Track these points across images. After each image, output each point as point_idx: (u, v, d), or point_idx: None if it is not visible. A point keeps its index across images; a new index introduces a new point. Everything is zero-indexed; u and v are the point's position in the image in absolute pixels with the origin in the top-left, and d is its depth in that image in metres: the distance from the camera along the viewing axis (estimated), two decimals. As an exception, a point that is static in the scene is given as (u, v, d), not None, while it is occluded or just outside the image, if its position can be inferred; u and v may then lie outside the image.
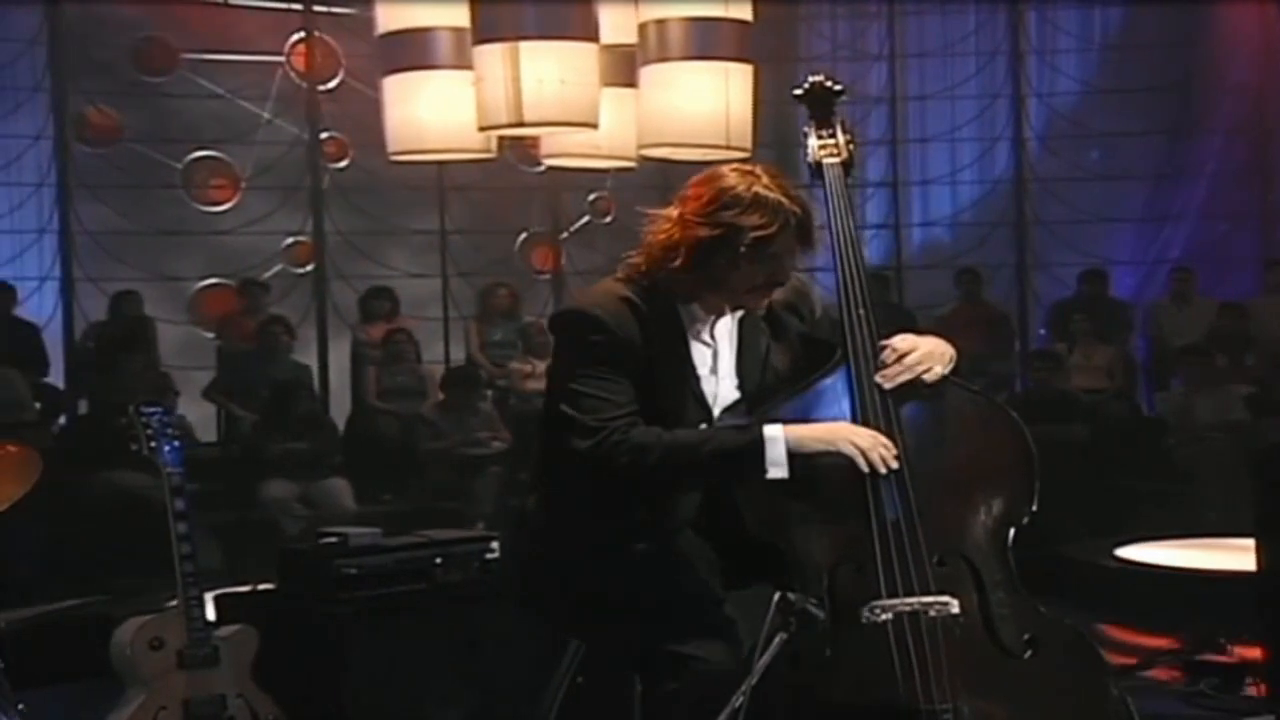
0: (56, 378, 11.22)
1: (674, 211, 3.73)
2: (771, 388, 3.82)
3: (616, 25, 7.46)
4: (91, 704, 5.06)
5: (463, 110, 7.32)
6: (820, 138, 4.03)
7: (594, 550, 3.73)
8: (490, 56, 7.12)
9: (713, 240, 3.63)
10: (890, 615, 3.58)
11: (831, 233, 3.87)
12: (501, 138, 7.70)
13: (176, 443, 4.79)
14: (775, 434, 3.59)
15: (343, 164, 12.28)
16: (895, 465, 3.62)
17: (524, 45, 7.06)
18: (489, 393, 10.67)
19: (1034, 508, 3.79)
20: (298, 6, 12.19)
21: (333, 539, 5.03)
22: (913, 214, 13.32)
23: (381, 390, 10.73)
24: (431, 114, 7.55)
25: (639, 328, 3.67)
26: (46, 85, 11.63)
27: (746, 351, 3.85)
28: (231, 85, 12.09)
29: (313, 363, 11.71)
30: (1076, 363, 11.09)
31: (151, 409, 4.81)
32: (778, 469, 3.58)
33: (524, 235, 13.02)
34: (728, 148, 7.38)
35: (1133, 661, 6.48)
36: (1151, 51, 12.49)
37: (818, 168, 4.00)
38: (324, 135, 12.27)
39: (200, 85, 12.05)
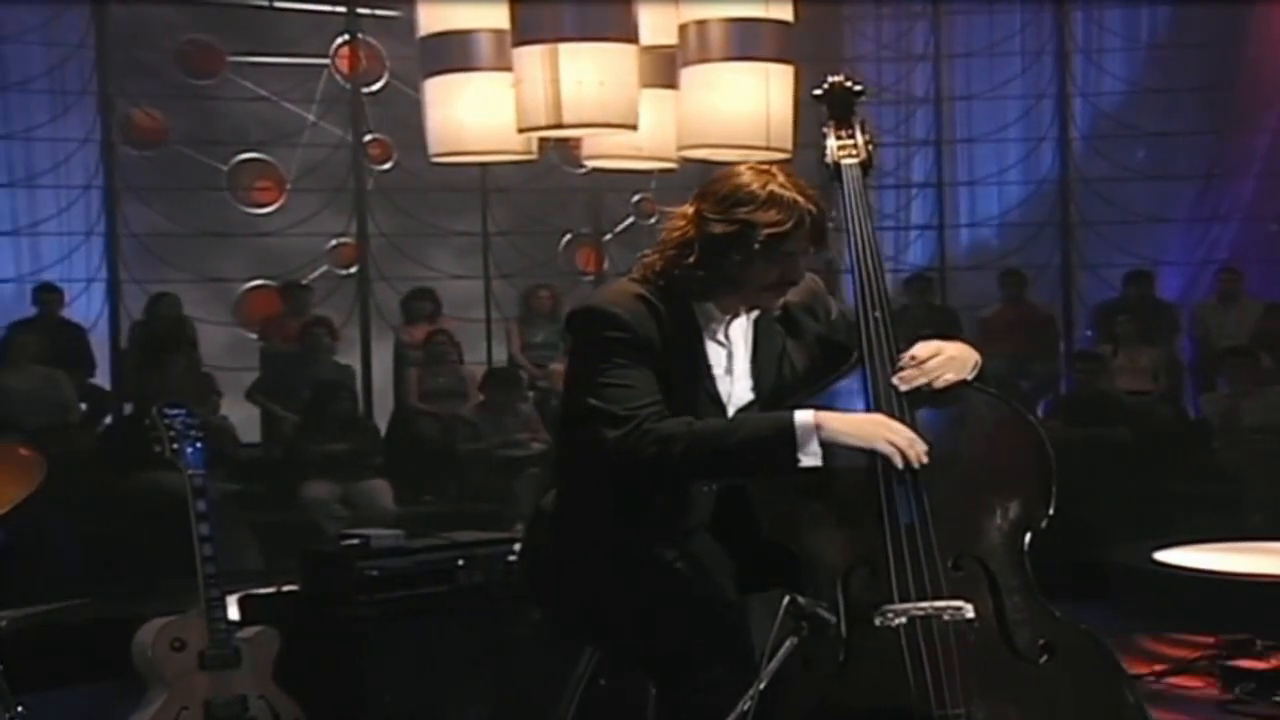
0: (103, 378, 11.32)
1: (689, 209, 3.73)
2: (787, 388, 3.81)
3: (657, 26, 7.46)
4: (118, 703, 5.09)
5: (503, 112, 7.32)
6: (839, 138, 4.03)
7: (606, 551, 3.72)
8: (529, 58, 7.11)
9: (727, 237, 3.63)
10: (904, 619, 3.56)
11: (849, 234, 3.86)
12: (543, 139, 7.70)
13: (199, 444, 4.81)
14: (807, 421, 3.54)
15: (387, 166, 12.32)
16: (926, 461, 3.59)
17: (563, 47, 7.03)
18: (530, 394, 10.68)
19: (1051, 512, 3.76)
20: (341, 9, 12.23)
21: (355, 541, 5.04)
22: (959, 214, 13.24)
23: (423, 391, 10.75)
24: (472, 116, 7.54)
25: (656, 325, 3.66)
26: (94, 88, 11.71)
27: (762, 352, 3.84)
28: (276, 87, 12.15)
29: (356, 364, 11.75)
30: (1121, 364, 11.01)
31: (175, 410, 4.84)
32: (811, 458, 3.54)
33: (568, 237, 13.03)
34: (768, 149, 7.35)
35: (1165, 666, 6.43)
36: (1198, 51, 12.37)
37: (836, 168, 3.98)
38: (368, 137, 12.32)
39: (245, 88, 12.12)
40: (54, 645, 6.53)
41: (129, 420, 10.41)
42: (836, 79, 4.12)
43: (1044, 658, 3.63)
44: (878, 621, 3.57)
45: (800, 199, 3.65)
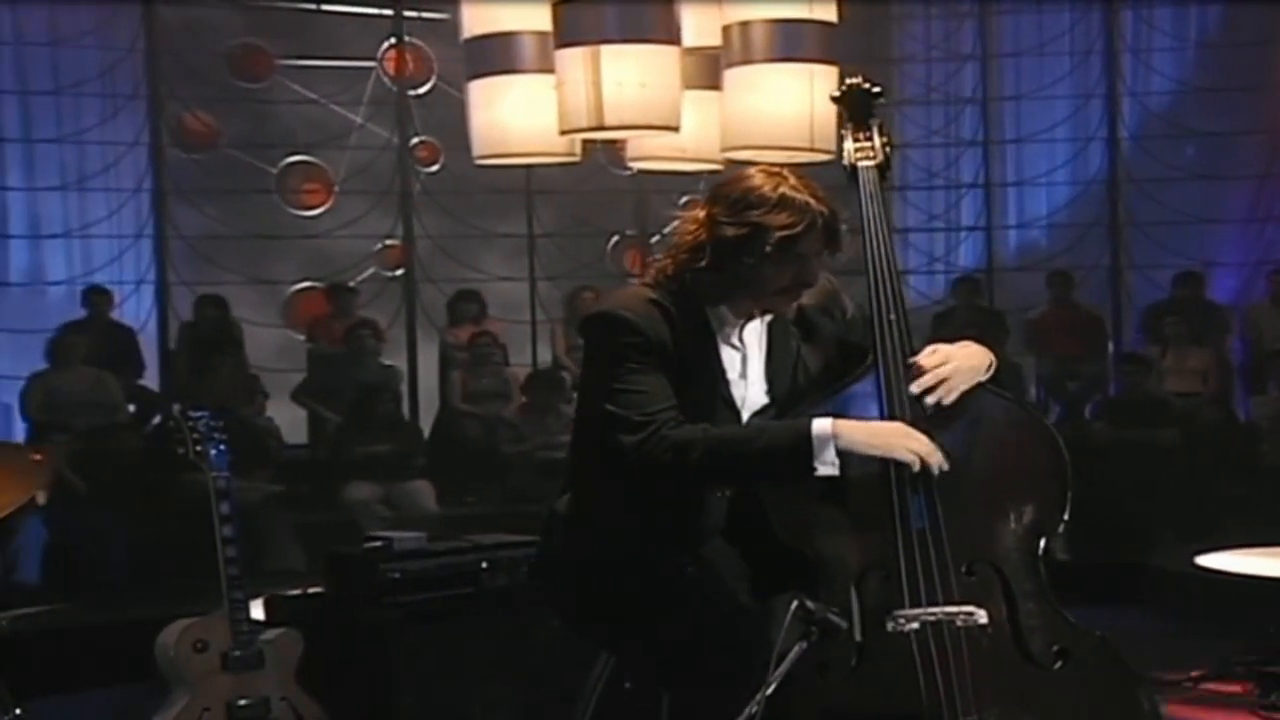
0: (152, 380, 11.41)
1: (701, 213, 3.73)
2: (801, 392, 3.80)
3: (701, 28, 7.47)
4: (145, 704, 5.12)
5: (547, 114, 7.33)
6: (856, 140, 4.01)
7: (619, 555, 3.73)
8: (571, 60, 7.13)
9: (739, 239, 3.62)
10: (916, 624, 3.56)
11: (864, 236, 3.85)
12: (588, 141, 7.72)
13: (223, 446, 4.84)
14: (824, 431, 3.53)
15: (434, 168, 12.35)
16: (947, 467, 3.58)
17: (605, 49, 7.04)
18: (574, 396, 10.67)
19: (1066, 517, 3.74)
20: (388, 12, 12.28)
21: (378, 543, 5.06)
22: (1007, 215, 13.17)
23: (467, 393, 10.79)
24: (516, 118, 7.55)
25: (669, 330, 3.66)
26: (144, 92, 11.80)
27: (776, 355, 3.83)
28: (325, 90, 12.21)
29: (403, 366, 11.81)
30: (1169, 366, 10.93)
31: (198, 413, 4.88)
32: (828, 467, 3.53)
33: (615, 239, 13.04)
34: (811, 149, 7.33)
35: (1202, 671, 6.40)
36: (1249, 50, 12.25)
37: (853, 170, 3.97)
38: (417, 139, 12.37)
39: (294, 91, 12.19)
40: (85, 647, 6.58)
41: (170, 422, 10.47)
42: (854, 81, 4.12)
43: (1058, 663, 3.62)
44: (890, 627, 3.58)
45: (812, 201, 3.64)
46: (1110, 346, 12.21)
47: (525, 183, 12.14)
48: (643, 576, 3.71)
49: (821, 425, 3.54)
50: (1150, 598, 8.08)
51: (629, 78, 7.07)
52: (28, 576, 8.94)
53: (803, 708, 3.53)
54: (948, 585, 3.57)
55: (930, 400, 3.68)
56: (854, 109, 4.08)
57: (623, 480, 3.67)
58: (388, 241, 12.40)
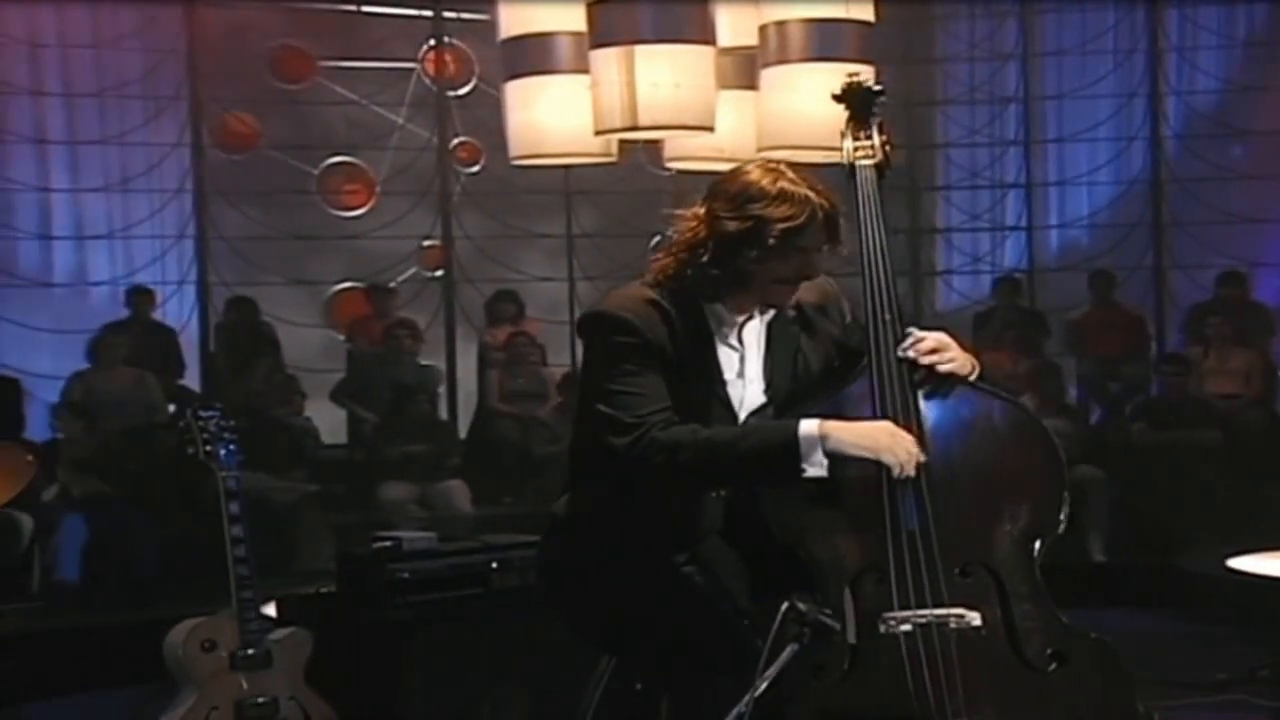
0: (193, 380, 11.47)
1: (700, 209, 3.73)
2: (800, 392, 3.78)
3: (738, 28, 7.48)
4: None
5: (583, 114, 7.37)
6: (856, 139, 3.99)
7: (615, 556, 3.73)
8: (606, 61, 7.16)
9: (741, 233, 3.63)
10: (909, 626, 3.54)
11: (861, 236, 3.83)
12: (628, 141, 7.74)
13: (233, 446, 4.86)
14: (811, 432, 3.53)
15: (475, 168, 12.37)
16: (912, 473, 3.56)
17: (639, 49, 7.09)
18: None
19: (1063, 518, 3.70)
20: (428, 13, 12.31)
21: (387, 543, 5.07)
22: (1049, 215, 13.07)
23: (504, 393, 10.81)
24: (552, 118, 7.59)
25: (666, 330, 3.67)
26: (186, 93, 11.87)
27: (776, 354, 3.82)
28: (366, 91, 12.25)
29: (443, 366, 11.83)
30: (1211, 367, 10.82)
31: (208, 412, 4.90)
32: (816, 468, 3.54)
33: (656, 238, 12.98)
34: (849, 149, 7.32)
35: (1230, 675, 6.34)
36: (1298, 48, 12.15)
37: (851, 169, 3.95)
38: (457, 140, 12.39)
39: (335, 92, 12.24)
40: (105, 646, 6.63)
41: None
42: (855, 79, 4.09)
43: (1053, 666, 3.60)
44: (883, 629, 3.56)
45: (811, 194, 3.66)
46: (1153, 347, 12.09)
47: (564, 183, 12.13)
48: (639, 577, 3.71)
49: (809, 427, 3.53)
50: (1186, 601, 8.01)
51: (663, 78, 7.10)
52: (66, 575, 8.98)
53: (797, 709, 3.52)
54: (938, 587, 3.54)
55: (924, 360, 3.66)
56: (855, 107, 4.05)
57: (618, 480, 3.67)
58: (427, 242, 12.42)
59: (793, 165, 3.77)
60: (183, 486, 9.28)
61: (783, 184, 3.65)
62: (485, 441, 10.57)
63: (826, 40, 7.37)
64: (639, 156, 9.77)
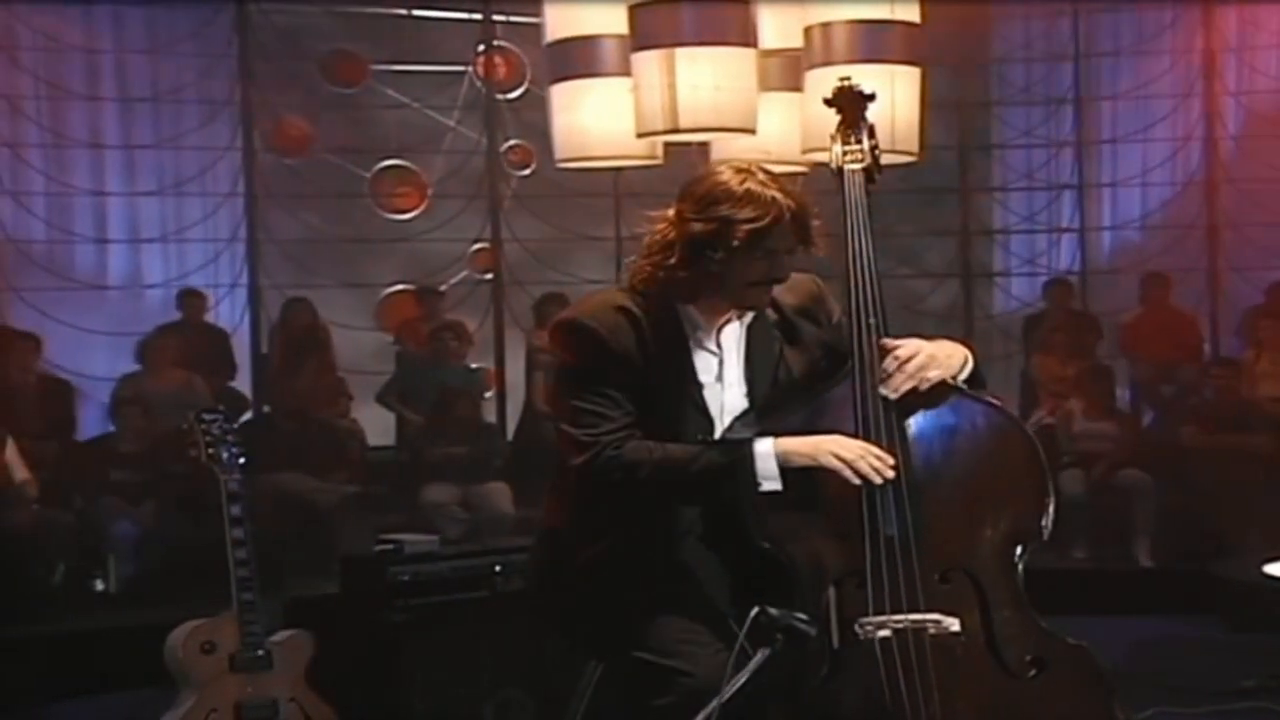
0: (245, 382, 11.56)
1: (671, 211, 3.74)
2: (780, 396, 3.77)
3: (782, 30, 7.47)
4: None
5: (627, 117, 7.38)
6: (846, 143, 3.98)
7: (595, 561, 3.73)
8: (647, 63, 7.16)
9: (706, 234, 3.63)
10: (887, 632, 3.52)
11: (846, 240, 3.82)
12: (678, 144, 7.74)
13: (235, 449, 4.88)
14: (766, 449, 3.55)
15: (527, 171, 12.40)
16: (890, 475, 3.54)
17: (680, 52, 7.08)
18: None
19: (1045, 524, 3.67)
20: (478, 16, 12.36)
21: (389, 546, 5.08)
22: (1102, 217, 12.94)
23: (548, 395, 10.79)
24: (596, 121, 7.61)
25: (635, 338, 3.66)
26: (238, 97, 11.98)
27: (756, 358, 3.81)
28: (418, 94, 12.32)
29: (492, 368, 11.88)
30: (1264, 370, 10.67)
31: (212, 415, 4.92)
32: (770, 482, 3.55)
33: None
34: (893, 151, 7.29)
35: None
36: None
37: (839, 173, 3.94)
38: (510, 143, 12.43)
39: (388, 96, 12.30)
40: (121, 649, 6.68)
41: (252, 423, 10.62)
42: (844, 83, 4.08)
43: (1032, 672, 3.57)
44: (861, 634, 3.54)
45: (779, 195, 3.66)
46: (1207, 350, 11.94)
47: (611, 185, 12.13)
48: (616, 581, 3.71)
49: (763, 445, 3.57)
50: (1222, 607, 7.93)
51: (704, 80, 7.10)
52: (115, 576, 9.06)
53: (776, 715, 3.51)
54: (912, 593, 3.53)
55: (902, 387, 3.64)
56: (845, 111, 4.05)
57: (590, 486, 3.68)
58: (477, 245, 12.46)
59: (766, 168, 3.77)
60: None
61: (750, 185, 3.65)
62: (530, 444, 10.57)
63: (871, 42, 7.35)
64: (690, 159, 9.75)
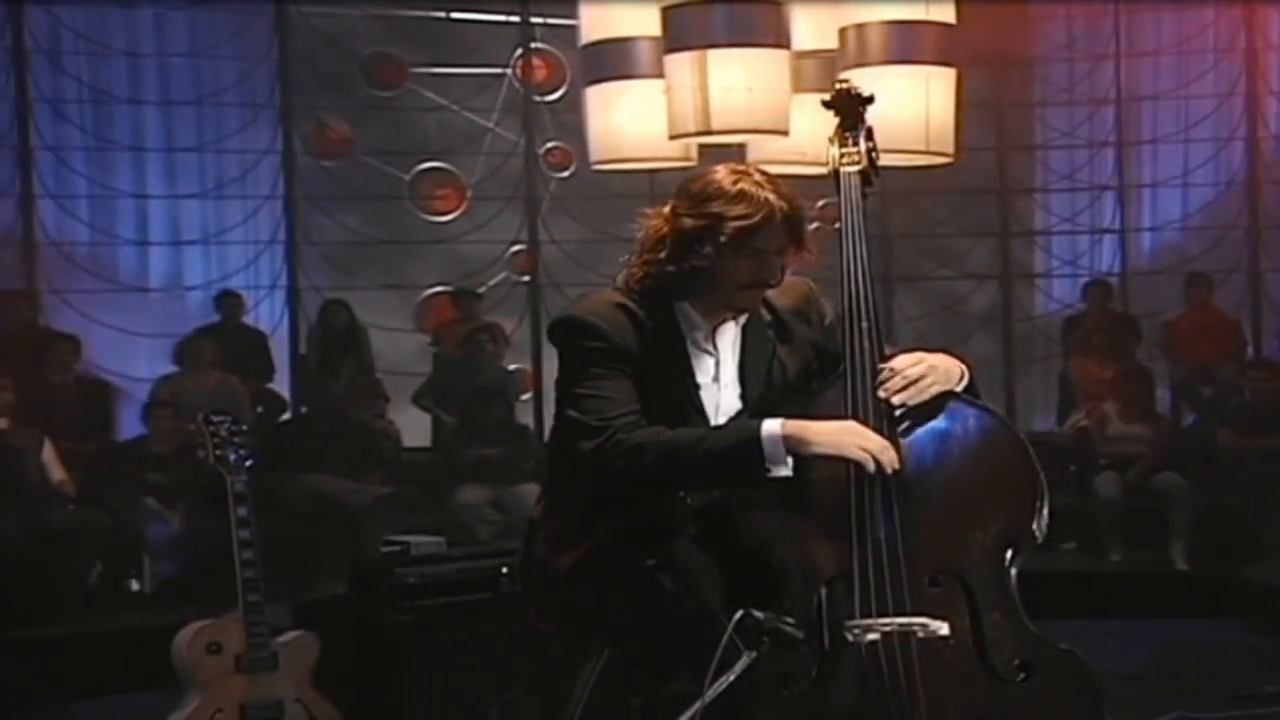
0: (283, 383, 11.63)
1: (665, 208, 3.75)
2: (774, 397, 3.76)
3: (817, 30, 7.45)
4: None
5: (661, 119, 7.38)
6: (843, 145, 3.97)
7: (587, 558, 3.73)
8: (680, 65, 7.15)
9: (696, 229, 3.64)
10: (876, 635, 3.50)
11: (841, 242, 3.81)
12: (712, 145, 7.73)
13: (243, 450, 4.91)
14: (774, 431, 3.51)
15: (566, 173, 12.42)
16: (898, 466, 3.53)
17: (712, 53, 7.06)
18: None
19: (1037, 528, 3.64)
20: (516, 19, 12.39)
21: (395, 548, 5.10)
22: (1142, 217, 12.86)
23: (582, 397, 10.78)
24: (631, 123, 7.60)
25: (635, 335, 3.67)
26: (279, 100, 12.06)
27: (750, 359, 3.79)
28: (457, 96, 12.37)
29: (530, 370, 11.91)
30: (1305, 371, 10.56)
31: (220, 417, 4.95)
32: (780, 467, 3.51)
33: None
34: (928, 152, 7.29)
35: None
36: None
37: (836, 175, 3.93)
38: (549, 145, 12.46)
39: (428, 98, 12.35)
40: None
41: (288, 424, 10.68)
42: (843, 85, 4.07)
43: (1020, 676, 3.53)
44: (849, 637, 3.52)
45: (772, 196, 3.64)
46: (1250, 351, 11.84)
47: (649, 187, 12.11)
48: (607, 578, 3.71)
49: (771, 427, 3.51)
50: (1252, 612, 7.87)
51: (736, 82, 7.08)
52: (151, 576, 9.12)
53: (764, 718, 3.50)
54: (899, 596, 3.50)
55: (897, 400, 3.62)
56: (843, 114, 4.03)
57: (589, 483, 3.68)
58: (515, 247, 12.49)
59: (762, 169, 3.77)
60: (262, 488, 9.42)
61: (743, 184, 3.64)
62: (564, 445, 10.57)
63: (906, 42, 7.30)
64: (729, 160, 9.73)
